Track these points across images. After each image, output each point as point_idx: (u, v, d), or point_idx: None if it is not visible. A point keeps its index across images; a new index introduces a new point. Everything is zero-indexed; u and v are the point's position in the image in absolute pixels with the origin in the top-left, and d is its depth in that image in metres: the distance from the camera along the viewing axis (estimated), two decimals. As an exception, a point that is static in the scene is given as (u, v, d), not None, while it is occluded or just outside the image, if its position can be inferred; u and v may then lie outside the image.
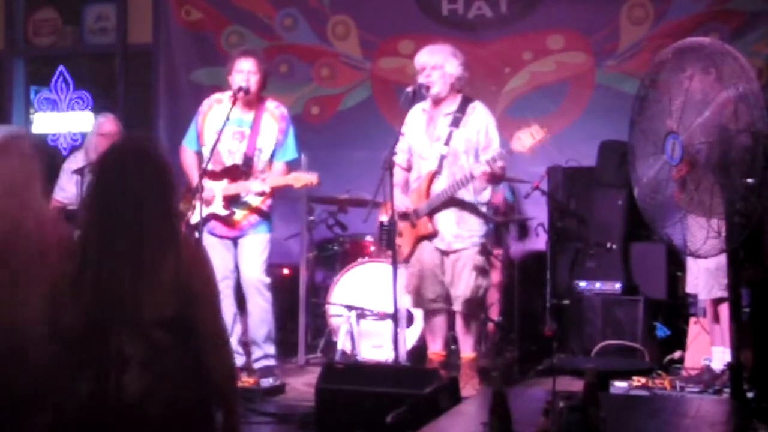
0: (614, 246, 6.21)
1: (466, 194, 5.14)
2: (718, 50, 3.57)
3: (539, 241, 6.47)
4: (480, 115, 5.22)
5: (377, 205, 5.51)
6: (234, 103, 5.35)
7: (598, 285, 6.19)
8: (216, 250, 5.36)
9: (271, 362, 5.55)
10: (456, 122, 5.19)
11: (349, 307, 5.94)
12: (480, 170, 4.98)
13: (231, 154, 5.44)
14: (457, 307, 5.21)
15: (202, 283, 2.72)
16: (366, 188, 5.73)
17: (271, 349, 5.55)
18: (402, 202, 5.25)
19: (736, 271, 3.80)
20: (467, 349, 5.29)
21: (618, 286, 6.13)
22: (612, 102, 6.86)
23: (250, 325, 5.55)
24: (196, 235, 5.30)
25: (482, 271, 5.21)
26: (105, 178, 2.71)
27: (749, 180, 3.45)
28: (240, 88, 5.37)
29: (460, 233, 5.16)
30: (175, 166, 5.10)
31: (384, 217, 5.17)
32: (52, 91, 8.57)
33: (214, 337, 2.73)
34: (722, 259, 4.04)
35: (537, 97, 7.22)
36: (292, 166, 5.54)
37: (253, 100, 5.47)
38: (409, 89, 5.23)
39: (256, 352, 5.54)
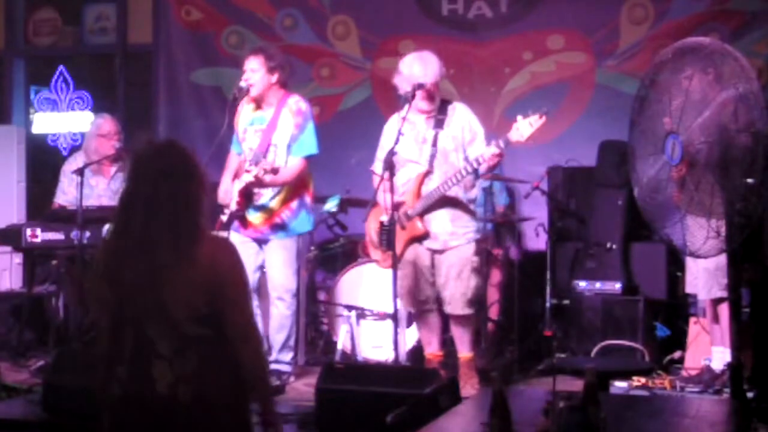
0: (614, 246, 6.20)
1: (457, 192, 5.16)
2: (718, 50, 3.57)
3: (539, 241, 6.46)
4: (461, 113, 5.28)
5: (377, 206, 5.51)
6: (237, 104, 5.37)
7: (598, 285, 6.18)
8: (238, 247, 5.37)
9: (284, 368, 5.51)
10: (440, 123, 5.23)
11: (349, 307, 5.95)
12: (490, 152, 4.96)
13: (252, 151, 5.45)
14: (452, 308, 5.20)
15: (231, 280, 2.80)
16: (366, 188, 5.73)
17: (286, 357, 5.52)
18: (388, 200, 5.15)
19: (736, 271, 3.79)
20: (464, 349, 5.29)
21: (618, 286, 6.13)
22: (612, 102, 6.86)
23: (269, 329, 5.54)
24: (225, 233, 5.34)
25: (478, 272, 5.24)
26: (128, 179, 2.84)
27: (749, 180, 3.45)
28: (240, 89, 5.39)
29: (455, 230, 5.18)
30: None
31: (384, 217, 5.17)
32: (52, 91, 8.57)
33: (245, 334, 2.80)
34: (721, 259, 4.04)
35: (537, 97, 7.19)
36: (312, 161, 5.51)
37: (268, 97, 5.45)
38: (409, 89, 5.24)
39: (271, 355, 5.53)
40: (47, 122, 8.59)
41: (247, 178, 5.30)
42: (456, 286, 5.17)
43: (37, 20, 8.66)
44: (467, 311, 5.20)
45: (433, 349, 5.38)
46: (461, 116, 5.26)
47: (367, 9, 7.72)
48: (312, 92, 7.76)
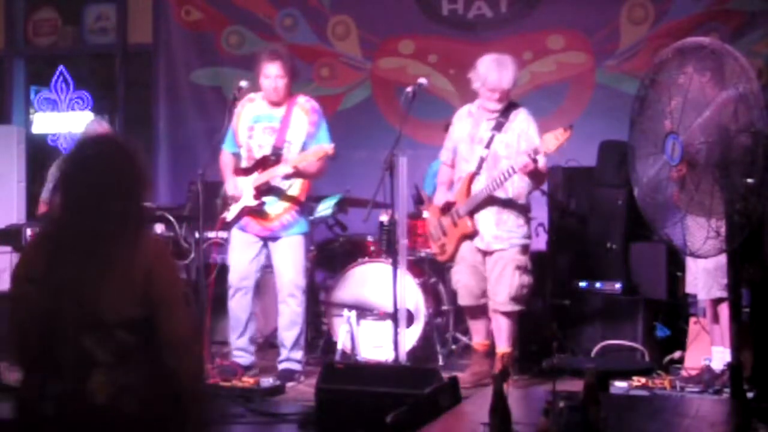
0: (614, 246, 6.20)
1: (504, 196, 5.28)
2: (718, 50, 3.57)
3: (539, 241, 6.46)
4: (522, 121, 5.35)
5: (377, 205, 5.53)
6: (236, 104, 5.45)
7: (598, 285, 6.18)
8: (243, 247, 5.50)
9: (295, 366, 5.54)
10: (499, 126, 5.33)
11: (349, 307, 5.95)
12: (521, 162, 5.06)
13: (261, 148, 5.49)
14: (494, 304, 5.34)
15: (167, 285, 2.63)
16: (366, 188, 5.73)
17: (297, 354, 5.56)
18: (444, 197, 5.46)
19: (736, 271, 3.79)
20: (502, 344, 5.41)
21: (618, 286, 6.12)
22: (612, 102, 6.87)
23: (279, 327, 5.58)
24: (209, 233, 5.35)
25: (525, 270, 5.35)
26: (69, 176, 2.66)
27: (749, 180, 3.45)
28: (239, 89, 5.51)
29: (499, 234, 5.30)
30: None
31: (384, 217, 5.20)
32: (52, 91, 8.57)
33: (178, 341, 2.64)
34: (721, 259, 4.03)
35: (537, 97, 7.21)
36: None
37: (284, 98, 5.51)
38: (409, 89, 5.28)
39: (282, 353, 5.56)
40: (47, 122, 8.60)
41: (283, 170, 5.35)
42: (497, 284, 5.30)
43: (37, 20, 8.66)
44: (509, 308, 5.33)
45: (480, 339, 5.53)
46: (520, 124, 5.33)
47: (367, 9, 7.72)
48: (312, 92, 7.71)
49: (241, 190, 5.45)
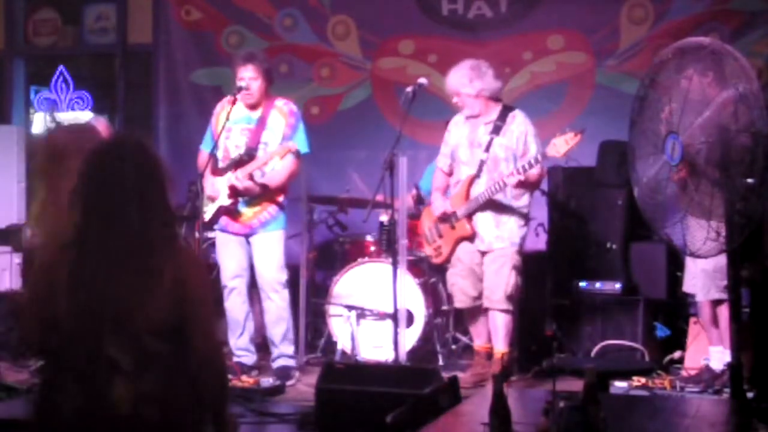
0: (614, 246, 6.20)
1: (504, 199, 5.34)
2: (718, 50, 3.57)
3: (539, 241, 6.46)
4: (519, 123, 5.39)
5: (377, 205, 5.53)
6: (233, 103, 5.41)
7: (598, 285, 6.18)
8: (228, 247, 5.50)
9: (290, 362, 5.58)
10: (497, 130, 5.38)
11: (349, 307, 5.95)
12: (513, 180, 5.17)
13: (237, 149, 5.49)
14: (490, 302, 5.37)
15: (197, 299, 2.59)
16: (365, 188, 5.74)
17: (288, 349, 5.58)
18: (441, 205, 5.49)
19: (736, 271, 3.79)
20: (498, 344, 5.42)
21: (618, 286, 6.13)
22: (612, 102, 6.87)
23: (266, 324, 5.60)
24: (208, 233, 5.33)
25: (519, 271, 5.41)
26: (104, 174, 2.57)
27: (749, 180, 3.45)
28: (240, 88, 5.46)
29: (500, 234, 5.37)
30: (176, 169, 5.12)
31: (384, 217, 5.21)
32: (52, 91, 8.57)
33: (208, 355, 2.62)
34: (720, 260, 4.04)
35: (537, 97, 7.22)
36: (303, 160, 5.59)
37: (260, 100, 5.52)
38: (409, 89, 5.30)
39: (274, 352, 5.58)
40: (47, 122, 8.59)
41: (233, 181, 5.37)
42: (494, 280, 5.34)
43: (37, 20, 8.65)
44: (503, 306, 5.36)
45: (481, 342, 5.56)
46: (518, 127, 5.39)
47: (367, 9, 7.72)
48: (312, 92, 7.77)
49: (218, 189, 5.46)
